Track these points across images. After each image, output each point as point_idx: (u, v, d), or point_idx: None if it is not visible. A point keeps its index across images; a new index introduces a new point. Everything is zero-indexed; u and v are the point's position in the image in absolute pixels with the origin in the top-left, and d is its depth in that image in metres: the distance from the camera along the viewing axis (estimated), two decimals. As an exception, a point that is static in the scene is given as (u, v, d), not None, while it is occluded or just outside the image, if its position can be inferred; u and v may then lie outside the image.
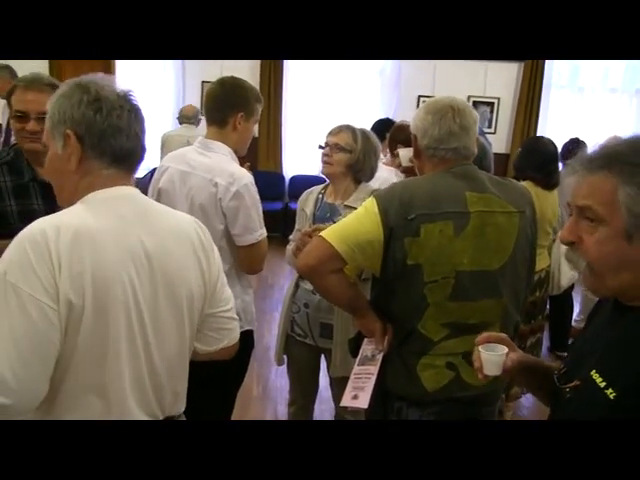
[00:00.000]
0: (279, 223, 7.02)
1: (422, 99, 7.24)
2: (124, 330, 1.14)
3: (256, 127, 8.12)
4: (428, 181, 1.76)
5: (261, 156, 7.26)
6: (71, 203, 1.21)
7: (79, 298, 1.09)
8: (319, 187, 2.60)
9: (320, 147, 2.52)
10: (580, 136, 4.35)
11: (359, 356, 1.84)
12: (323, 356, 2.59)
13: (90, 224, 1.14)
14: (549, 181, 3.30)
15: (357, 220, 1.70)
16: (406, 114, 7.15)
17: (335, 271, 1.69)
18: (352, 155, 2.41)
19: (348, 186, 2.47)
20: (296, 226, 2.61)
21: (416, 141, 1.80)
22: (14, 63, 5.60)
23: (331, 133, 2.49)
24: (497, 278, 1.73)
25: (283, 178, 7.40)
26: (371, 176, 2.53)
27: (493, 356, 1.32)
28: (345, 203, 2.44)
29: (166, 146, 5.68)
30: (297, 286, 2.54)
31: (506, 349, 1.36)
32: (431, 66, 7.11)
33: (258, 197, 2.20)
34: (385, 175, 3.36)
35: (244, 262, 2.26)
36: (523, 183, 3.04)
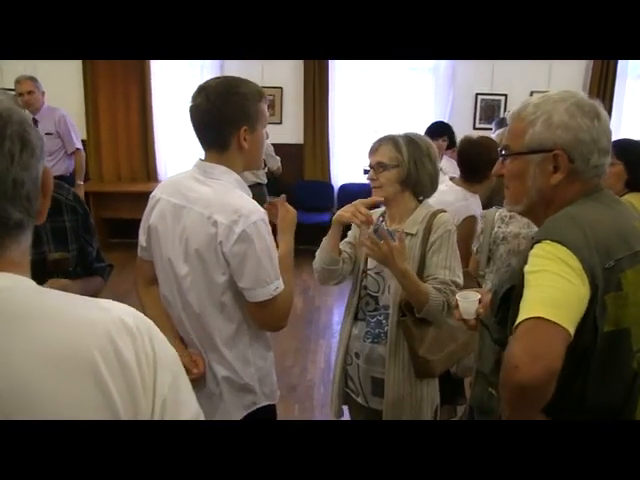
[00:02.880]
0: (328, 236, 7.03)
1: (480, 97, 7.15)
2: None
3: (301, 133, 8.13)
4: (599, 212, 1.38)
5: (307, 164, 7.28)
6: None
7: None
8: (381, 210, 2.38)
9: (365, 172, 2.27)
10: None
11: None
12: None
13: None
14: None
15: (570, 283, 1.25)
16: (462, 114, 7.17)
17: None
18: (400, 169, 2.18)
19: (406, 207, 2.25)
20: (347, 238, 2.41)
21: (569, 162, 1.39)
22: (45, 64, 5.81)
23: (371, 151, 2.26)
24: None
25: (332, 187, 7.38)
26: (433, 188, 2.28)
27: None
28: (399, 229, 2.19)
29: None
30: (350, 332, 2.31)
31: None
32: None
33: (272, 238, 1.82)
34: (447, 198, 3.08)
35: (257, 322, 1.90)
36: (626, 197, 2.78)
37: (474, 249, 2.92)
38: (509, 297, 1.35)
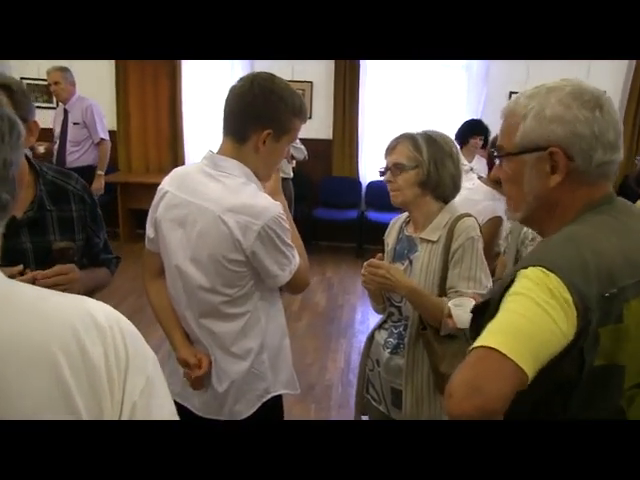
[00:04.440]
0: (354, 233, 7.03)
1: (514, 96, 7.04)
2: None
3: (330, 129, 8.13)
4: (605, 230, 1.20)
5: (335, 160, 7.29)
6: None
7: None
8: (404, 215, 2.25)
9: (380, 173, 2.14)
10: None
11: None
12: None
13: None
14: None
15: (547, 315, 1.06)
16: (496, 112, 7.02)
17: None
18: (420, 169, 2.03)
19: (429, 210, 2.09)
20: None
21: (567, 160, 1.21)
22: (79, 63, 5.92)
23: (387, 151, 2.11)
24: None
25: (359, 184, 7.37)
26: (455, 189, 2.12)
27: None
28: (421, 235, 2.09)
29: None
30: (373, 337, 2.24)
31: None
32: (524, 58, 6.91)
33: (287, 226, 1.80)
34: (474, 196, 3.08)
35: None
36: None
37: (502, 250, 2.90)
38: (484, 311, 1.19)
